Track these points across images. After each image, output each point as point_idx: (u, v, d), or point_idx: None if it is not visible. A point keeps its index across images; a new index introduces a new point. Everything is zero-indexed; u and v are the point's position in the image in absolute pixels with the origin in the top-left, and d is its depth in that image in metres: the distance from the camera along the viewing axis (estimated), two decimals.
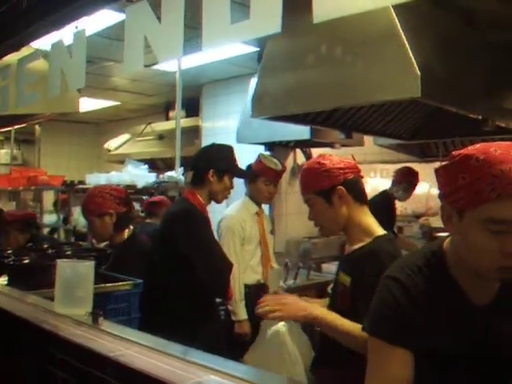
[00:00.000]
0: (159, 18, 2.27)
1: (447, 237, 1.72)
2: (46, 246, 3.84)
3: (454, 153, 1.56)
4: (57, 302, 2.39)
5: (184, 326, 3.04)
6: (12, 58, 3.84)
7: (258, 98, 3.54)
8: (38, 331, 2.16)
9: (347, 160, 2.55)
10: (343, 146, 5.42)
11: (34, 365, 2.19)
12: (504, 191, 1.44)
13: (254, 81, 4.77)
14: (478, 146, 1.53)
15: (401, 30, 2.79)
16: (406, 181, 5.72)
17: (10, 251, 3.60)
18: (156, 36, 2.30)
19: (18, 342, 2.34)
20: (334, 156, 2.54)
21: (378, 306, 1.70)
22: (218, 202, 3.63)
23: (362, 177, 2.60)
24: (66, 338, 2.00)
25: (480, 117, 3.53)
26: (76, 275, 2.35)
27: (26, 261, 3.21)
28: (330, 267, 5.61)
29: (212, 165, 3.55)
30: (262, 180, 4.53)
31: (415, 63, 2.73)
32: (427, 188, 5.98)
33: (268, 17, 1.85)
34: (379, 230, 2.48)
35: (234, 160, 3.68)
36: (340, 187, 2.45)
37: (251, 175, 4.52)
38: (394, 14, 2.77)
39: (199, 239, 3.36)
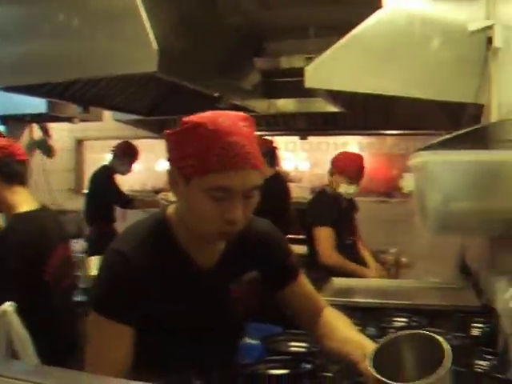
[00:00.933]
0: None
1: (172, 204, 1.74)
2: None
3: (184, 119, 1.56)
4: None
5: None
6: None
7: None
8: None
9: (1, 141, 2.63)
10: (82, 120, 5.30)
11: None
12: (230, 162, 1.49)
13: None
14: (208, 114, 1.55)
15: (140, 6, 2.78)
16: (127, 155, 5.81)
17: None
18: None
19: None
20: None
21: (100, 280, 1.66)
22: None
23: (21, 158, 2.63)
24: None
25: (216, 94, 3.63)
26: None
27: None
28: None
29: None
30: None
31: (153, 38, 2.73)
32: (166, 164, 6.10)
33: None
34: (21, 208, 2.55)
35: None
36: None
37: None
38: None
39: None
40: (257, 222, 1.82)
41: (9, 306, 2.13)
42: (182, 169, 1.55)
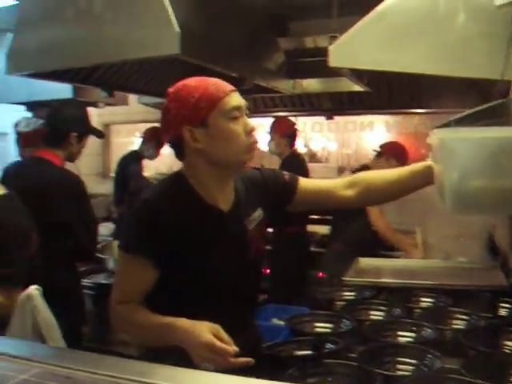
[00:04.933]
0: None
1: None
2: None
3: (168, 91, 1.90)
4: None
5: None
6: None
7: (13, 53, 3.35)
8: None
9: None
10: (108, 105, 5.33)
11: None
12: (226, 87, 1.88)
13: (10, 36, 4.50)
14: (177, 83, 1.91)
15: None
16: (154, 140, 5.84)
17: None
18: None
19: None
20: None
21: (125, 224, 1.96)
22: (73, 161, 3.55)
23: None
24: None
25: (237, 75, 3.63)
26: None
27: None
28: (100, 229, 5.53)
29: (74, 127, 3.43)
30: None
31: (175, 21, 2.73)
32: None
33: None
34: None
35: (89, 119, 3.61)
36: None
37: None
38: None
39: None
40: (245, 170, 2.13)
41: (34, 289, 2.16)
42: (196, 118, 1.84)
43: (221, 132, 1.87)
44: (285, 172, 2.21)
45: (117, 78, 3.87)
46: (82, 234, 3.30)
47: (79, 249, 3.33)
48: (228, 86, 1.91)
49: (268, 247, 4.91)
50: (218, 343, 1.65)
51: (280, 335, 3.31)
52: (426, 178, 2.02)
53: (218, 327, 1.70)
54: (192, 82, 1.89)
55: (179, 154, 1.96)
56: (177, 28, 2.72)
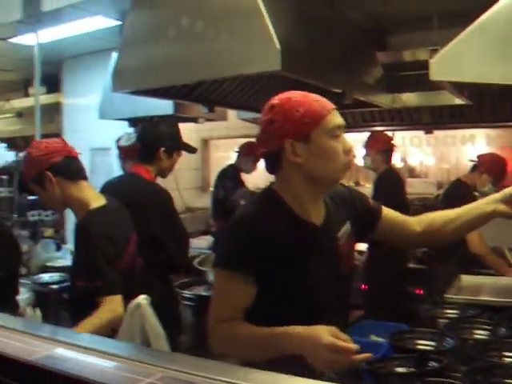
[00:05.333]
0: None
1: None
2: None
3: (272, 103, 1.93)
4: None
5: None
6: None
7: (118, 71, 3.47)
8: None
9: (55, 143, 2.70)
10: (207, 120, 5.42)
11: None
12: (329, 105, 1.92)
13: (115, 55, 4.66)
14: (280, 95, 1.95)
15: (261, 5, 2.81)
16: (250, 154, 5.91)
17: None
18: None
19: None
20: (43, 142, 2.70)
21: (222, 241, 2.01)
22: (165, 177, 3.69)
23: (75, 155, 2.73)
24: None
25: (339, 90, 3.62)
26: None
27: None
28: (199, 242, 5.64)
29: (163, 142, 3.57)
30: None
31: (275, 37, 2.76)
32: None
33: None
34: (95, 203, 2.66)
35: (181, 135, 3.74)
36: (47, 172, 2.59)
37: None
38: None
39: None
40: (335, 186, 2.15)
41: (143, 298, 2.22)
42: (300, 133, 1.88)
43: (322, 149, 1.90)
44: (369, 198, 2.25)
45: (217, 94, 3.94)
46: (171, 248, 3.37)
47: (169, 262, 3.41)
48: (330, 104, 1.95)
49: (365, 263, 4.86)
50: (341, 342, 1.66)
51: (378, 352, 3.28)
52: (484, 218, 2.17)
53: (334, 328, 1.71)
54: (296, 96, 1.92)
55: (274, 167, 1.99)
56: (277, 44, 2.74)
